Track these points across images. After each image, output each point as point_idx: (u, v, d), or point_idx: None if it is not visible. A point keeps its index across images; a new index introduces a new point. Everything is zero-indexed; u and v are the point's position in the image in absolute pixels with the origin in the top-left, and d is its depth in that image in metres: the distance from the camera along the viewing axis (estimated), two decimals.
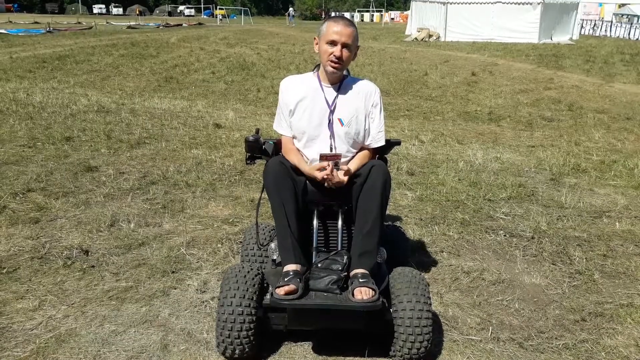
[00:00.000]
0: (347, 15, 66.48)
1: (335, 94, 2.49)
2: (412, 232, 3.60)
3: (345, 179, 2.35)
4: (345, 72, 2.73)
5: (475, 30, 24.03)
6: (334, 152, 2.46)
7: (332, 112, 2.46)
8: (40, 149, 5.37)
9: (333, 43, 2.39)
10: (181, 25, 39.19)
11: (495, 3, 23.62)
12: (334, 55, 2.38)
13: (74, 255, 3.10)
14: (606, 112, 8.71)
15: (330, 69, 2.42)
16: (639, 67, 14.34)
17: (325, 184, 2.35)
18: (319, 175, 2.34)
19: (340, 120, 2.47)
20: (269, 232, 2.89)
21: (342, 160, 2.44)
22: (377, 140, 2.54)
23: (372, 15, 65.27)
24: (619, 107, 9.11)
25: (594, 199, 4.38)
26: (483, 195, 4.34)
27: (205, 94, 9.58)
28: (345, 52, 2.40)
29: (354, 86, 2.53)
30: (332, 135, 2.47)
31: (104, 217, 3.65)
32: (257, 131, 2.64)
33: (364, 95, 2.51)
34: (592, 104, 9.36)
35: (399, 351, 2.16)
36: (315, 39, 2.51)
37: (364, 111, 2.50)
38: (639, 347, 2.39)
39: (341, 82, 2.52)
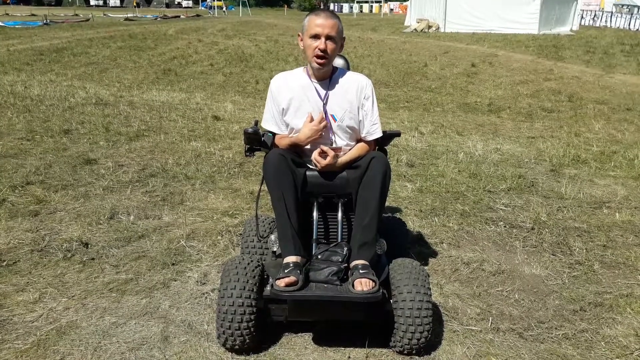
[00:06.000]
0: (346, 6, 66.22)
1: (326, 89, 2.47)
2: (412, 223, 3.60)
3: (328, 160, 2.34)
4: (341, 65, 2.71)
5: (475, 21, 23.88)
6: (333, 146, 2.46)
7: (325, 106, 2.45)
8: (39, 141, 5.35)
9: (317, 36, 2.35)
10: (179, 17, 38.97)
11: None
12: (319, 49, 2.35)
13: (73, 247, 3.10)
14: (606, 103, 8.69)
15: (315, 64, 2.38)
16: (639, 58, 14.29)
17: (317, 164, 2.36)
18: (312, 132, 2.37)
19: (332, 116, 2.45)
20: (269, 224, 2.89)
21: (342, 154, 2.44)
22: (372, 133, 2.52)
23: (372, 6, 64.90)
24: (619, 98, 9.09)
25: (594, 189, 4.38)
26: (483, 186, 4.34)
27: (203, 86, 9.55)
28: (330, 45, 2.36)
29: (344, 80, 2.49)
30: (328, 130, 2.45)
31: (104, 209, 3.64)
32: (256, 123, 2.62)
33: (355, 88, 2.48)
34: (592, 95, 9.34)
35: (399, 342, 2.17)
36: (299, 35, 2.48)
37: (356, 105, 2.47)
38: (639, 337, 2.40)
39: (331, 77, 2.49)
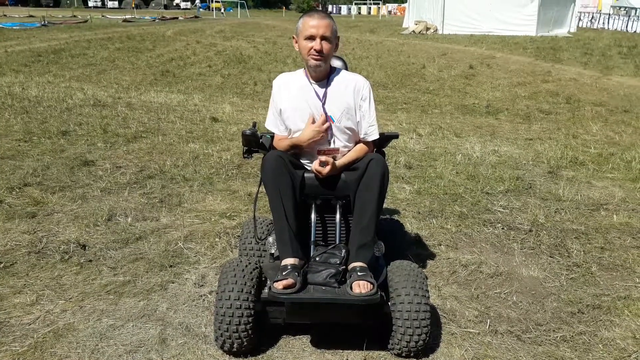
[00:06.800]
0: (344, 8, 66.23)
1: (323, 89, 2.47)
2: (410, 225, 3.60)
3: (328, 169, 2.35)
4: (339, 66, 2.71)
5: (473, 23, 23.95)
6: (331, 147, 2.46)
7: (323, 107, 2.45)
8: (37, 143, 5.34)
9: (311, 37, 2.37)
10: (177, 18, 38.96)
11: None
12: (314, 49, 2.36)
13: (71, 249, 3.09)
14: (604, 104, 8.70)
15: (312, 62, 2.39)
16: (637, 60, 14.33)
17: (318, 170, 2.36)
18: (314, 134, 2.38)
19: (330, 117, 2.45)
20: (267, 226, 2.88)
21: (339, 155, 2.44)
22: (369, 134, 2.52)
23: (370, 8, 64.99)
24: (617, 100, 9.11)
25: (592, 191, 4.38)
26: (481, 188, 4.34)
27: (201, 88, 9.53)
28: (325, 45, 2.38)
29: (341, 81, 2.50)
30: (328, 131, 2.46)
31: (101, 211, 3.63)
32: (254, 125, 2.63)
33: (353, 89, 2.48)
34: (589, 97, 9.35)
35: (397, 344, 2.16)
36: (293, 37, 2.50)
37: (353, 105, 2.47)
38: (636, 339, 2.40)
39: (328, 78, 2.49)
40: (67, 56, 13.29)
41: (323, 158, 2.36)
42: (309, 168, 2.47)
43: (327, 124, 2.41)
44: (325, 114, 2.44)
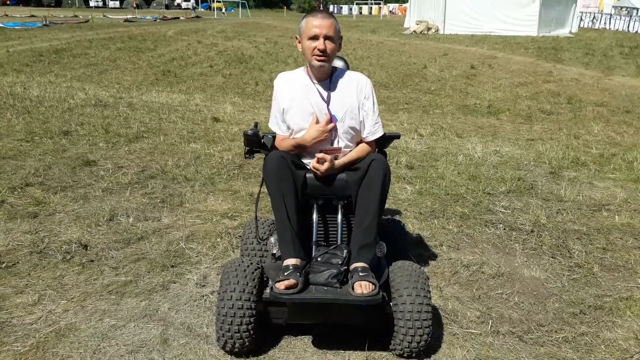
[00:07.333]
0: (345, 8, 66.22)
1: (327, 89, 2.47)
2: (412, 225, 3.60)
3: (325, 167, 2.35)
4: (341, 66, 2.72)
5: (474, 23, 23.94)
6: (334, 146, 2.46)
7: (328, 107, 2.45)
8: (38, 143, 5.35)
9: (315, 37, 2.37)
10: (178, 18, 38.96)
11: None
12: (318, 49, 2.36)
13: (72, 249, 3.09)
14: (605, 105, 8.70)
15: (316, 63, 2.40)
16: (638, 60, 14.31)
17: (315, 167, 2.36)
18: (319, 134, 2.38)
19: (334, 116, 2.45)
20: (269, 226, 2.88)
21: (341, 155, 2.44)
22: (373, 132, 2.52)
23: (371, 7, 64.97)
24: (618, 100, 9.10)
25: (594, 192, 4.38)
26: (482, 188, 4.34)
27: (203, 88, 9.54)
28: (329, 44, 2.38)
29: (344, 80, 2.50)
30: (332, 131, 2.46)
31: (103, 211, 3.64)
32: (256, 125, 2.63)
33: (356, 88, 2.48)
34: (591, 97, 9.35)
35: (399, 345, 2.16)
36: (296, 37, 2.50)
37: (357, 104, 2.48)
38: (639, 340, 2.40)
39: (331, 77, 2.50)
40: (69, 56, 13.30)
41: (320, 155, 2.36)
42: (310, 168, 2.46)
43: (332, 124, 2.42)
44: (330, 113, 2.44)
